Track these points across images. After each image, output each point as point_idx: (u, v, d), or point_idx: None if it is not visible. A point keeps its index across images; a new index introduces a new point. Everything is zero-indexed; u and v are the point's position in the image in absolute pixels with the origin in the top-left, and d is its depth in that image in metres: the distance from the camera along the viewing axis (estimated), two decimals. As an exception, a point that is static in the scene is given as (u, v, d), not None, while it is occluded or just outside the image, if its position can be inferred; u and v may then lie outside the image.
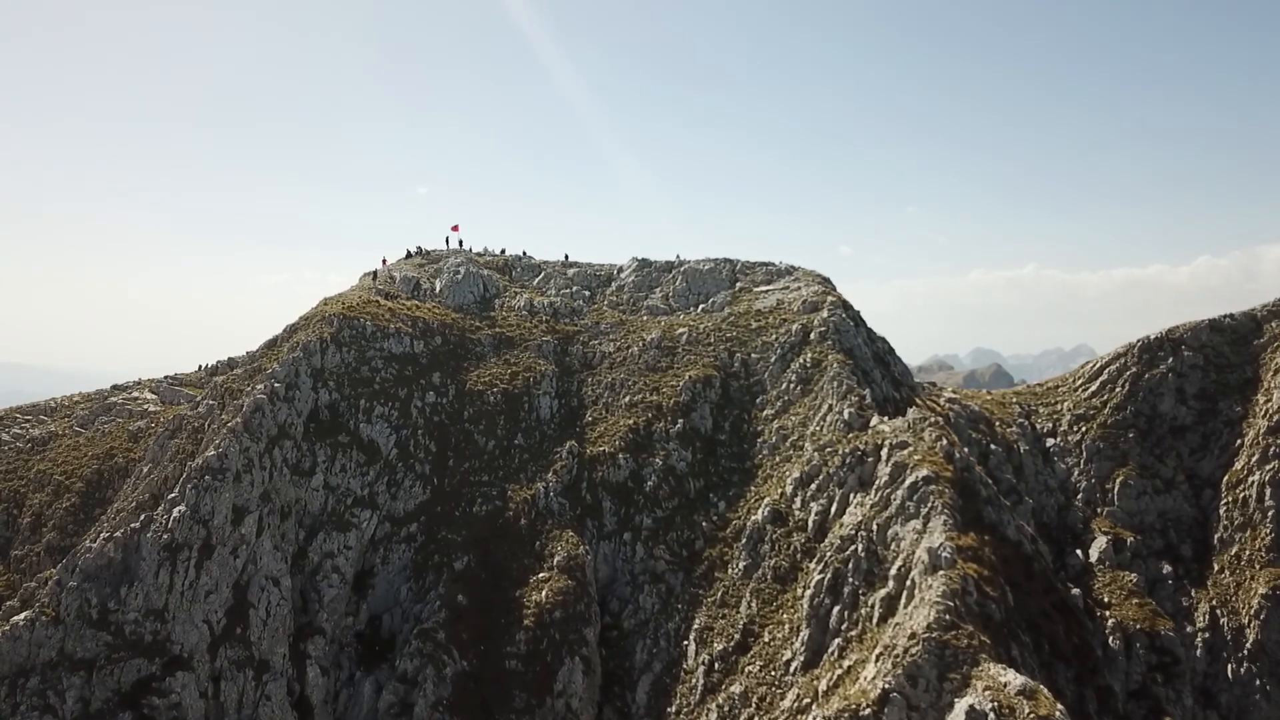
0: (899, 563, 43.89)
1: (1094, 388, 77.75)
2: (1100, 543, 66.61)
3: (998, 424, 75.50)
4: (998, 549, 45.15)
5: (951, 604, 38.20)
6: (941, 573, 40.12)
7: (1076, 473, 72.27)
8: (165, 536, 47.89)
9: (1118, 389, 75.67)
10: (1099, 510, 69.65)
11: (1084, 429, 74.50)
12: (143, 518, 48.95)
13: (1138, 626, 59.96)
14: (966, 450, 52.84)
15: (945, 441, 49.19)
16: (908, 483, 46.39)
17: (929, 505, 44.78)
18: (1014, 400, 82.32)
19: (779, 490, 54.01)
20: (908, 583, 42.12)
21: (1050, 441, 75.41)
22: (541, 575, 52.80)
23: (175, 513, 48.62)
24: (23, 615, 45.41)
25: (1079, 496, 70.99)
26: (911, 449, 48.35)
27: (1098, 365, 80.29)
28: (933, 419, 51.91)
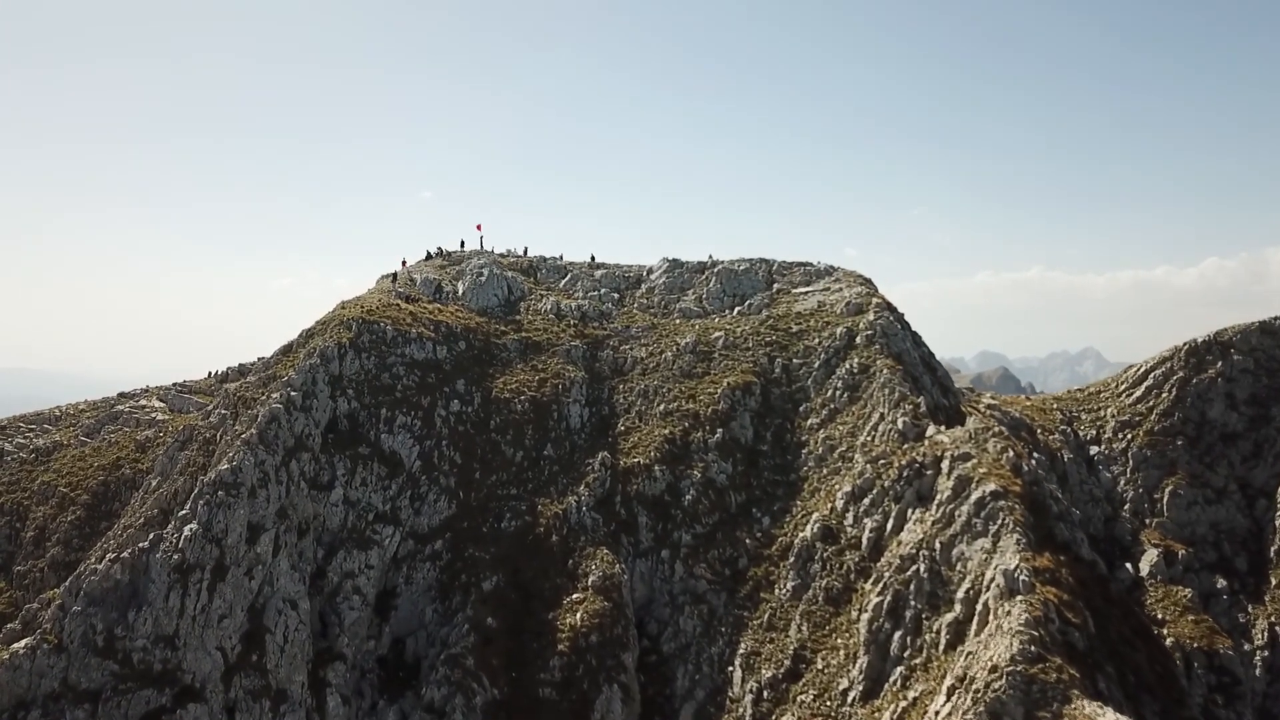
0: (966, 585, 40.74)
1: (1139, 393, 74.77)
2: (1151, 555, 63.57)
3: (1039, 431, 72.31)
4: (1074, 570, 41.86)
5: (1036, 633, 35.03)
6: (1020, 598, 36.98)
7: (1123, 482, 69.44)
8: (175, 557, 44.59)
9: (1164, 394, 72.72)
10: (1147, 521, 66.75)
11: (1130, 436, 71.58)
12: (151, 536, 45.69)
13: (1195, 645, 56.81)
14: (1034, 462, 49.40)
15: (1011, 453, 45.81)
16: (973, 498, 43.16)
17: (999, 523, 41.56)
18: (1055, 406, 79.27)
19: (828, 505, 50.71)
20: (978, 607, 39.02)
21: (1094, 449, 72.57)
22: (575, 596, 49.50)
23: (186, 531, 45.33)
24: (23, 643, 42.24)
25: (1126, 507, 68.04)
26: (975, 461, 45.08)
27: (1142, 370, 77.22)
28: (996, 428, 48.50)
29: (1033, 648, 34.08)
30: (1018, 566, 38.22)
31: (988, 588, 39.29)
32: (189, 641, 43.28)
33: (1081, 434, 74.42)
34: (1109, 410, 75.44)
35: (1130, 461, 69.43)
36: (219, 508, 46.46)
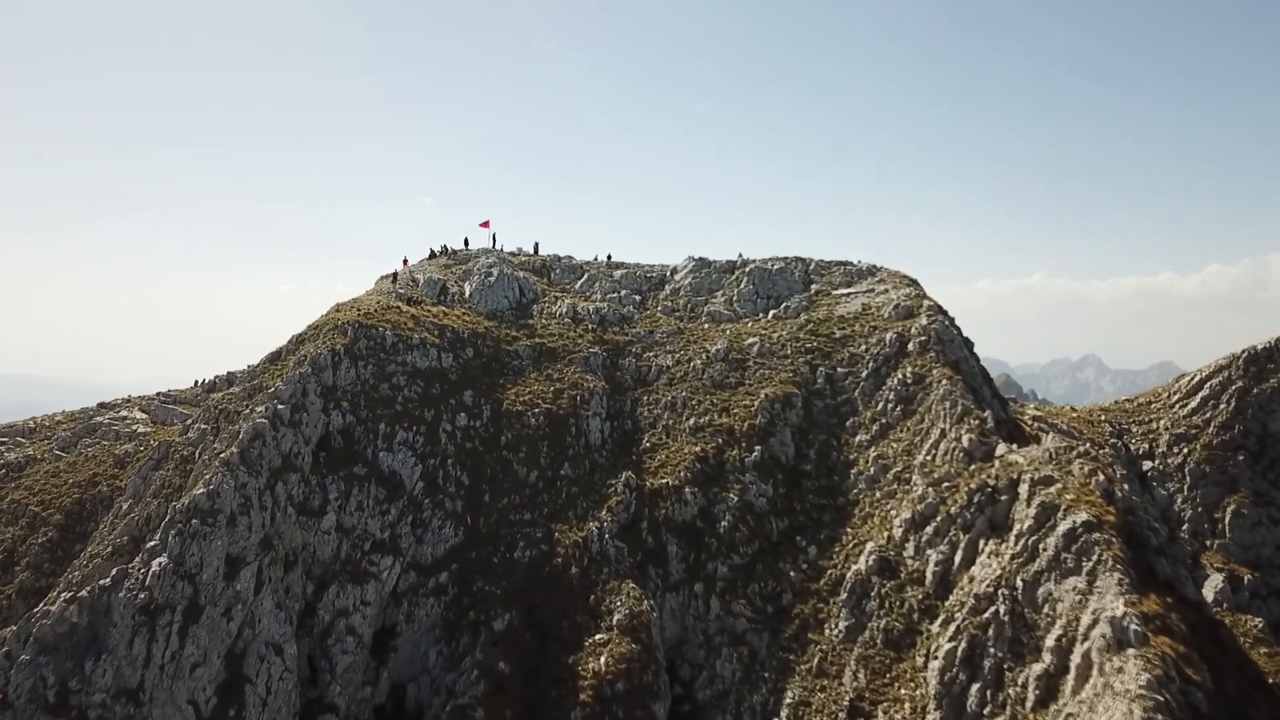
0: (1057, 631, 34.87)
1: (1194, 404, 69.39)
2: (1215, 580, 58.13)
3: (1089, 444, 66.78)
4: (1182, 614, 35.97)
5: (1160, 698, 29.36)
6: (1132, 652, 31.18)
7: (1180, 500, 64.21)
8: (142, 596, 38.68)
9: (1222, 405, 67.44)
10: (1208, 543, 61.45)
11: (1186, 450, 66.27)
12: (114, 572, 39.75)
13: (1271, 682, 50.93)
14: (1128, 487, 43.49)
15: (1101, 477, 39.85)
16: (1061, 530, 37.21)
17: (1094, 559, 35.62)
18: (1103, 418, 73.86)
19: (884, 533, 44.78)
20: (1074, 659, 33.25)
21: (1147, 464, 67.31)
22: (599, 637, 43.56)
23: (154, 565, 39.44)
24: (-39, 698, 36.37)
25: (1184, 527, 62.71)
26: (1060, 486, 39.16)
27: (1197, 379, 71.92)
28: (1080, 447, 42.61)
29: (1159, 716, 28.45)
30: (1125, 614, 32.40)
31: (1085, 636, 33.59)
32: (155, 695, 37.34)
33: (1134, 448, 69.30)
34: (1162, 422, 70.37)
35: (1187, 478, 64.48)
36: (193, 538, 40.56)
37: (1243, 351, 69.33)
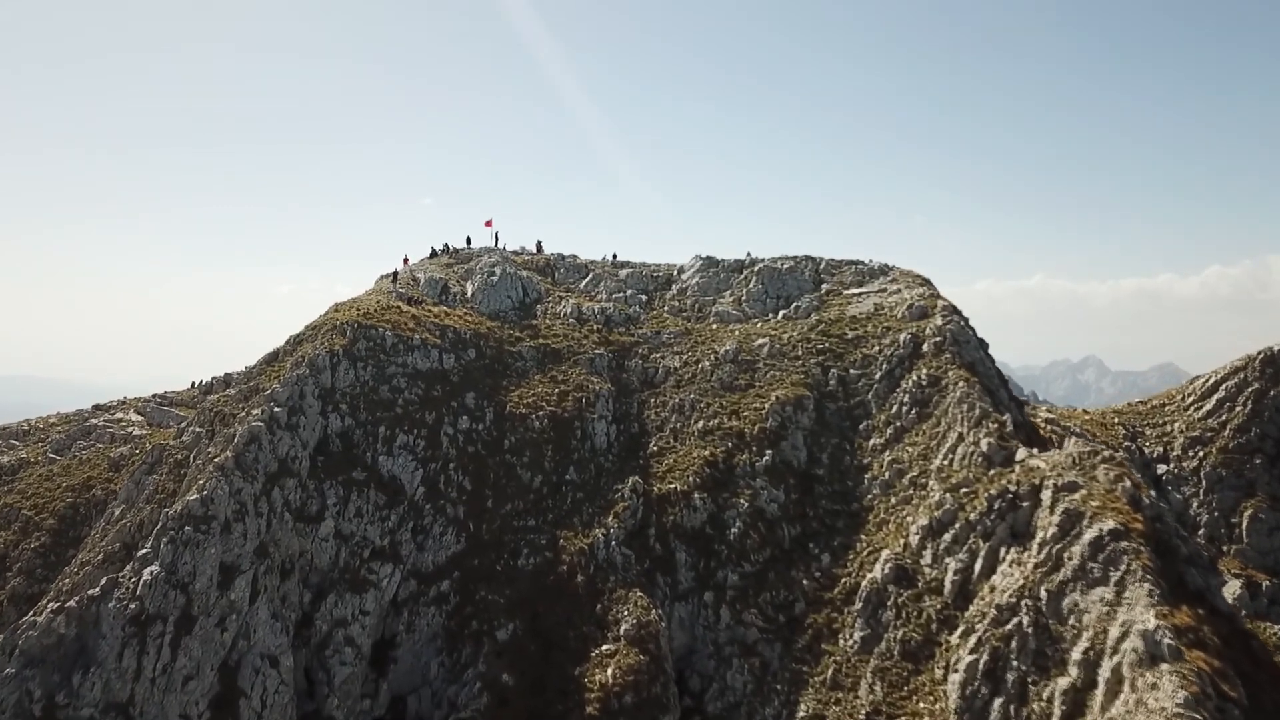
0: (1084, 644, 33.69)
1: (1209, 406, 67.91)
2: (1233, 587, 56.52)
3: (1106, 449, 65.46)
4: (1214, 626, 34.59)
5: (1197, 717, 28.07)
6: (1166, 667, 30.07)
7: (1196, 504, 62.71)
8: (133, 606, 37.33)
9: (1238, 408, 65.93)
10: (1225, 548, 60.00)
11: (1201, 454, 64.78)
12: (104, 581, 38.40)
13: (1305, 695, 49.56)
14: (1155, 494, 42.05)
15: (1128, 483, 38.44)
16: (1087, 538, 35.92)
17: (1122, 569, 34.36)
18: (1116, 420, 72.39)
19: (900, 540, 43.38)
20: (1102, 673, 32.12)
21: (1161, 468, 65.76)
22: (605, 648, 42.13)
23: (146, 574, 38.08)
24: (-57, 713, 35.01)
25: (1200, 532, 61.16)
26: (1084, 492, 37.80)
27: (1212, 381, 70.43)
28: (1105, 452, 41.16)
29: (1197, 736, 27.16)
30: (1158, 627, 31.19)
31: (1114, 650, 32.37)
32: (146, 709, 36.07)
33: (1148, 451, 67.88)
34: (1176, 425, 68.91)
35: (1203, 482, 63.05)
36: (185, 546, 39.20)
37: (1259, 353, 67.94)
